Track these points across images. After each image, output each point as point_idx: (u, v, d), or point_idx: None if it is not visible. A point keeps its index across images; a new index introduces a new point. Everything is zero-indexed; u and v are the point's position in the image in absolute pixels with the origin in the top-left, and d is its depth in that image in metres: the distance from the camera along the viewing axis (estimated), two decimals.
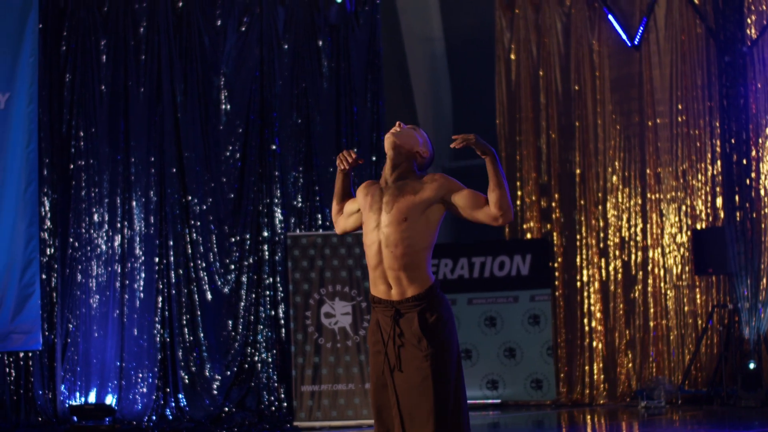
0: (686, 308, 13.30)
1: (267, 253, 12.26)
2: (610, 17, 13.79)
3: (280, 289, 12.19)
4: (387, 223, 4.91)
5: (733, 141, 13.17)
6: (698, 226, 13.19)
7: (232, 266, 12.20)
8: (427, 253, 4.93)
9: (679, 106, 13.51)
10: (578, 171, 14.01)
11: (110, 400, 11.70)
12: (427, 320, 4.86)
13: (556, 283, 13.86)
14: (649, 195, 13.62)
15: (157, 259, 12.00)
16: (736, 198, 13.06)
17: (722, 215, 13.15)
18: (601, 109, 13.95)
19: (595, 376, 13.60)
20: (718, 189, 13.23)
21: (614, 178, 13.80)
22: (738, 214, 13.04)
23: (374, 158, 12.48)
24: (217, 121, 12.34)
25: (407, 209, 4.89)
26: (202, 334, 12.03)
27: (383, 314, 4.95)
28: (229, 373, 12.04)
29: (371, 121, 12.54)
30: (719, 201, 13.21)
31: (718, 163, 13.25)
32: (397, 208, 4.91)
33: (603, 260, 13.77)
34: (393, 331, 4.89)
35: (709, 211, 13.27)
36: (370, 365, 5.07)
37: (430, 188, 4.92)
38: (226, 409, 11.90)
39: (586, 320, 13.72)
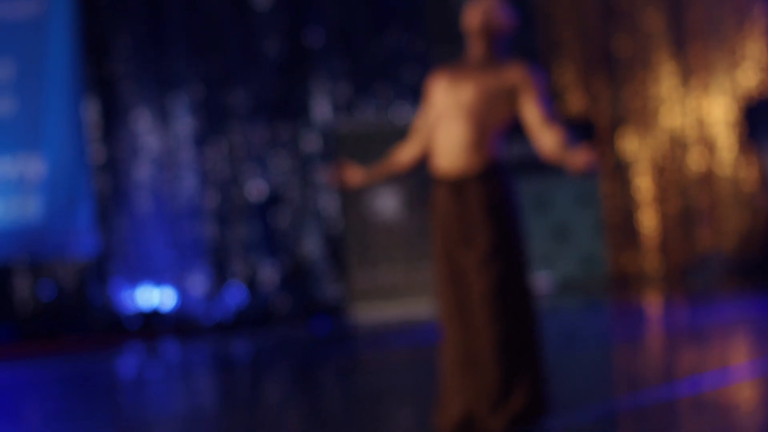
0: (737, 180, 13.19)
1: (314, 145, 12.25)
2: None
3: None
4: (465, 99, 4.74)
5: None
6: (748, 98, 13.00)
7: (280, 161, 12.20)
8: (498, 131, 4.79)
9: None
10: (622, 47, 13.79)
11: (167, 300, 11.84)
12: (489, 198, 4.71)
13: (604, 161, 13.74)
14: (695, 69, 13.41)
15: (204, 158, 12.03)
16: None
17: None
18: None
19: (648, 253, 13.57)
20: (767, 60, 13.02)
21: (659, 53, 13.58)
22: None
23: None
24: (254, 15, 12.23)
25: (488, 90, 4.73)
26: (253, 230, 12.10)
27: (444, 192, 4.78)
28: (282, 266, 12.13)
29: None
30: None
31: None
32: (476, 87, 4.74)
33: (651, 137, 13.64)
34: (455, 207, 4.74)
35: (759, 82, 13.06)
36: (435, 245, 4.85)
37: (510, 77, 4.73)
38: (282, 301, 12.02)
39: (636, 197, 13.65)
